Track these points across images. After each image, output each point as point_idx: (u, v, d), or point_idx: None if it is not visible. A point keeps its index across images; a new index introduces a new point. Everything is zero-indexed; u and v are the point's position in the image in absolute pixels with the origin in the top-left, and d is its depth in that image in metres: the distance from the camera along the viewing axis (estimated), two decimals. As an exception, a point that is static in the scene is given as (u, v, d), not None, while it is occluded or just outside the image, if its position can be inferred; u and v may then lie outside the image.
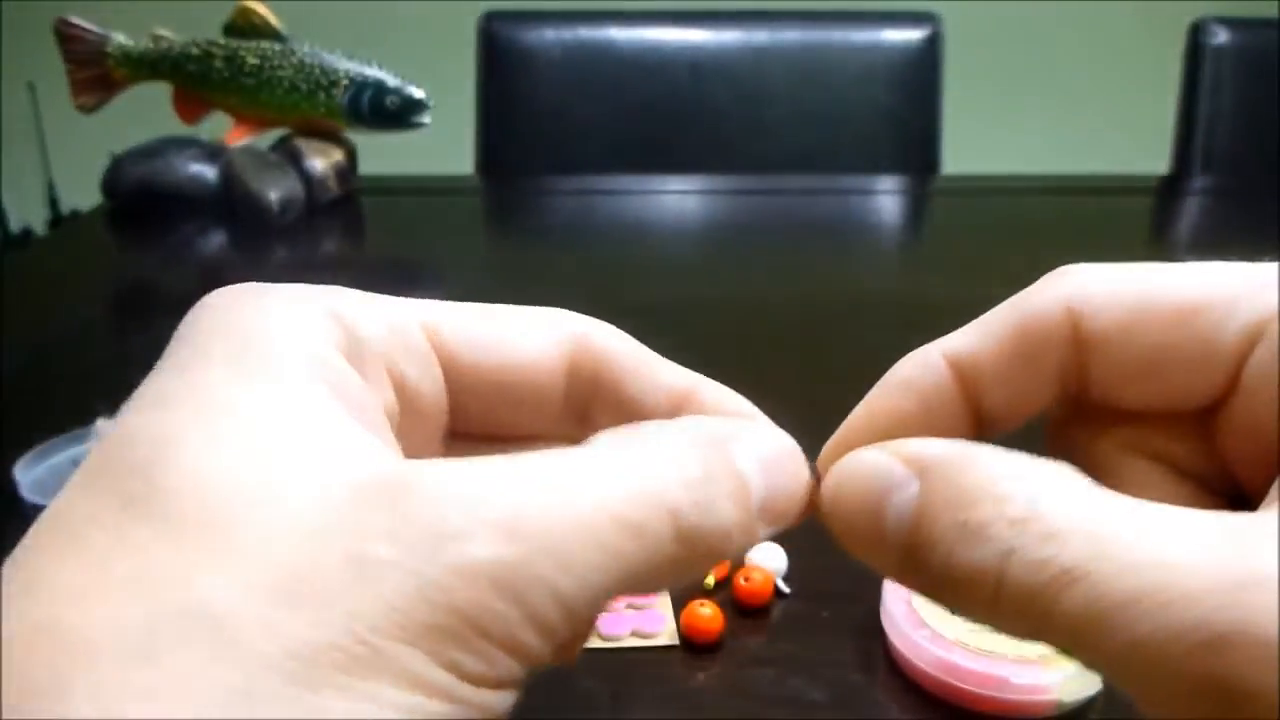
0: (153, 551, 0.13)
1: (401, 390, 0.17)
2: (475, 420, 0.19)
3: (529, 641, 0.14)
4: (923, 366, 0.19)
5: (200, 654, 0.12)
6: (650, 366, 0.19)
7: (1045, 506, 0.14)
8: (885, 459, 0.16)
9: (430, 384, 0.18)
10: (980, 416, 0.19)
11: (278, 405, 0.15)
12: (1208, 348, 0.17)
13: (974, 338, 0.18)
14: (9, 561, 0.14)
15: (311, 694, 0.12)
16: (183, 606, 0.12)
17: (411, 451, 0.17)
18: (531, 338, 0.18)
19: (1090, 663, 0.14)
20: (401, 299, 0.18)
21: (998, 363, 0.18)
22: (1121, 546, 0.14)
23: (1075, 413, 0.19)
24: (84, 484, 0.14)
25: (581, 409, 0.19)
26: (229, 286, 0.17)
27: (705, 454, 0.16)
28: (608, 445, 0.16)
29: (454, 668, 0.13)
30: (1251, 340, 0.16)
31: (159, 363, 0.16)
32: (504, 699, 0.14)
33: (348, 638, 0.13)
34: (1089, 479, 0.15)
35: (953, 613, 0.16)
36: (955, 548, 0.15)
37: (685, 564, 0.15)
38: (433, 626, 0.13)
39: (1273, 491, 0.15)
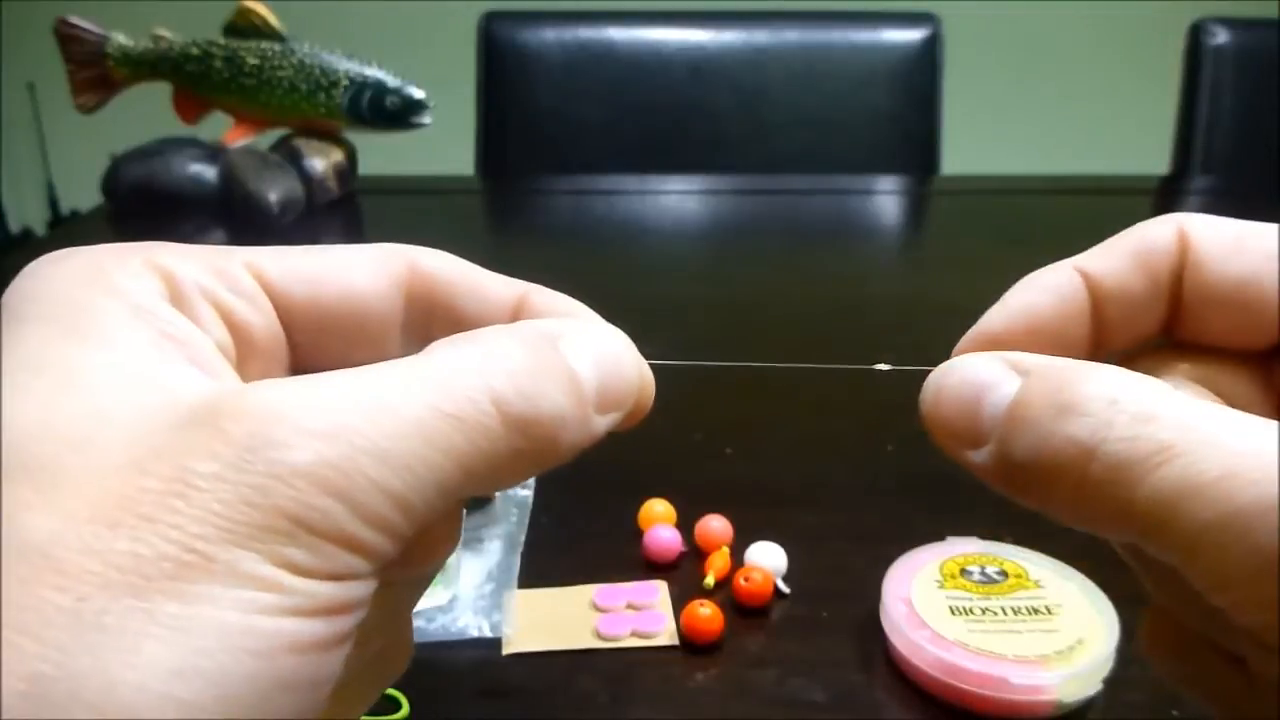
0: None
1: (234, 329, 0.18)
2: (318, 356, 0.19)
3: (364, 536, 0.14)
4: (1057, 272, 0.20)
5: (28, 581, 0.13)
6: (481, 282, 0.20)
7: (1142, 393, 0.15)
8: (989, 360, 0.17)
9: (262, 320, 0.18)
10: (1101, 331, 0.20)
11: (96, 353, 0.15)
12: None
13: (1100, 254, 0.20)
14: None
15: (144, 603, 0.13)
16: (10, 543, 0.13)
17: None
18: (360, 269, 0.19)
19: (1170, 542, 0.14)
20: (226, 248, 0.19)
21: (1121, 275, 0.19)
22: (1215, 428, 0.14)
23: (1153, 351, 0.20)
24: None
25: (423, 334, 0.19)
26: (47, 254, 0.17)
27: (532, 348, 0.16)
28: (437, 349, 0.16)
29: (286, 563, 0.14)
30: None
31: None
32: (349, 590, 0.14)
33: (174, 548, 0.13)
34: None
35: (1036, 504, 0.16)
36: (1052, 424, 0.15)
37: (527, 455, 0.16)
38: (259, 527, 0.14)
39: None
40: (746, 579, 0.48)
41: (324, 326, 0.19)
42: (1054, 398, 0.16)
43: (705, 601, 0.46)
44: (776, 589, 0.48)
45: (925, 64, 1.39)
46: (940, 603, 0.44)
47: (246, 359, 0.18)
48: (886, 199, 1.29)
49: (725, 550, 0.50)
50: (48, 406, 0.15)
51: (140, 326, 0.16)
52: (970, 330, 0.20)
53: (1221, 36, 1.36)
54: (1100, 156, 1.71)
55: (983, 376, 0.17)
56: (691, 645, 0.45)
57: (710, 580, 0.49)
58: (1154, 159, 1.47)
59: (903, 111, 1.39)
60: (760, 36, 1.39)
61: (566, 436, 0.16)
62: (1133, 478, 0.14)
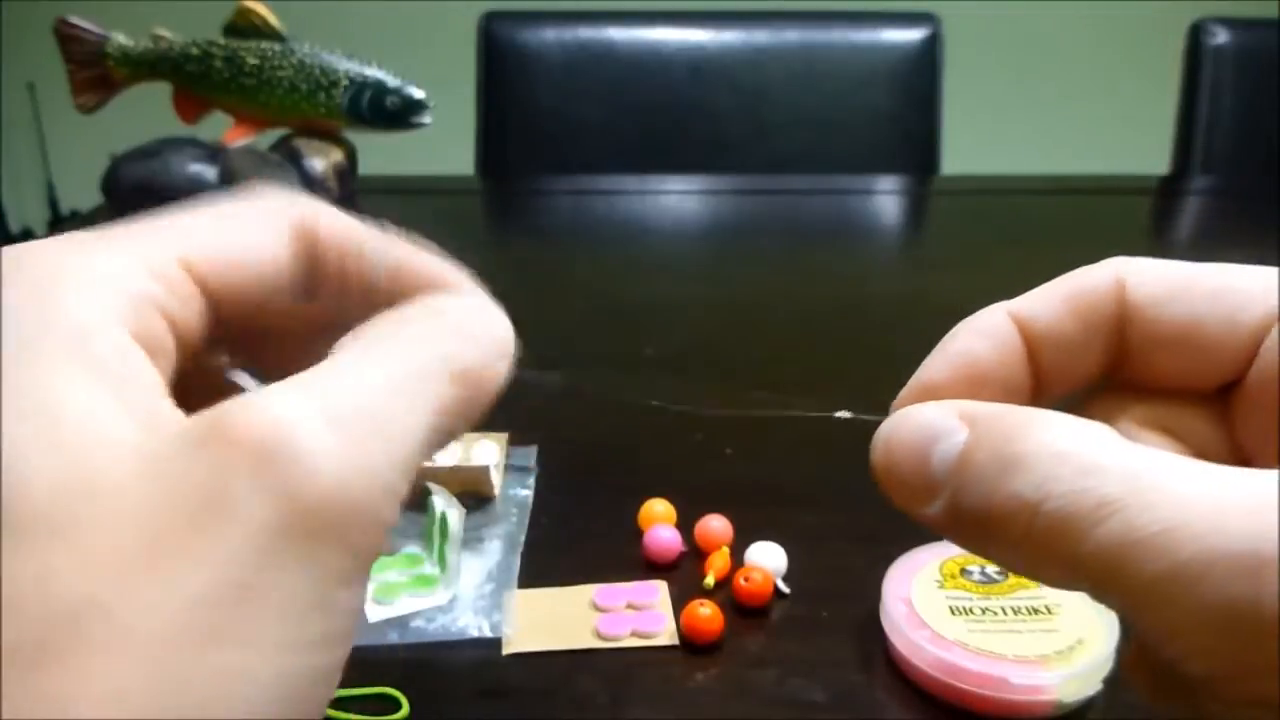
0: (14, 559, 0.13)
1: (178, 334, 0.18)
2: (220, 322, 0.19)
3: (389, 516, 0.15)
4: (993, 318, 0.20)
5: (98, 649, 0.12)
6: (365, 243, 0.20)
7: (1086, 446, 0.15)
8: (939, 409, 0.17)
9: (196, 317, 0.18)
10: (1040, 376, 0.20)
11: (75, 388, 0.15)
12: (1232, 325, 0.18)
13: (1034, 299, 0.20)
14: None
15: (216, 650, 0.13)
16: (68, 606, 0.13)
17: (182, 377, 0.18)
18: (266, 239, 0.19)
19: (1118, 595, 0.14)
20: (154, 231, 0.19)
21: (1055, 322, 0.19)
22: (1158, 480, 0.14)
23: (1105, 393, 0.21)
24: None
25: (308, 287, 0.20)
26: (10, 250, 0.17)
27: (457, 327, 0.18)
28: (369, 341, 0.17)
29: (331, 574, 0.14)
30: (1269, 324, 0.18)
31: None
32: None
33: (220, 582, 0.13)
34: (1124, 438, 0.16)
35: (987, 556, 0.16)
36: (998, 478, 0.15)
37: (468, 402, 0.17)
38: (300, 539, 0.14)
39: None
40: (746, 579, 0.48)
41: (235, 301, 0.19)
42: (999, 451, 0.16)
43: (705, 601, 0.46)
44: (776, 589, 0.48)
45: (925, 64, 1.39)
46: (940, 603, 0.44)
47: (182, 355, 0.18)
48: (886, 199, 1.29)
49: (725, 550, 0.50)
50: (40, 453, 0.14)
51: (104, 354, 0.16)
52: (910, 380, 0.20)
53: (1221, 36, 1.36)
54: (1100, 156, 1.71)
55: (932, 427, 0.17)
56: (691, 645, 0.45)
57: (710, 580, 0.49)
58: (1154, 159, 1.47)
59: (903, 111, 1.39)
60: (760, 36, 1.39)
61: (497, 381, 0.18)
62: (1078, 532, 0.14)
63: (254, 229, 0.19)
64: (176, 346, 0.18)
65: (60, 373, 0.15)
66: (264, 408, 0.14)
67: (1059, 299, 0.19)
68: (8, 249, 0.17)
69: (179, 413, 0.16)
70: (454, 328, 0.18)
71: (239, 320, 0.19)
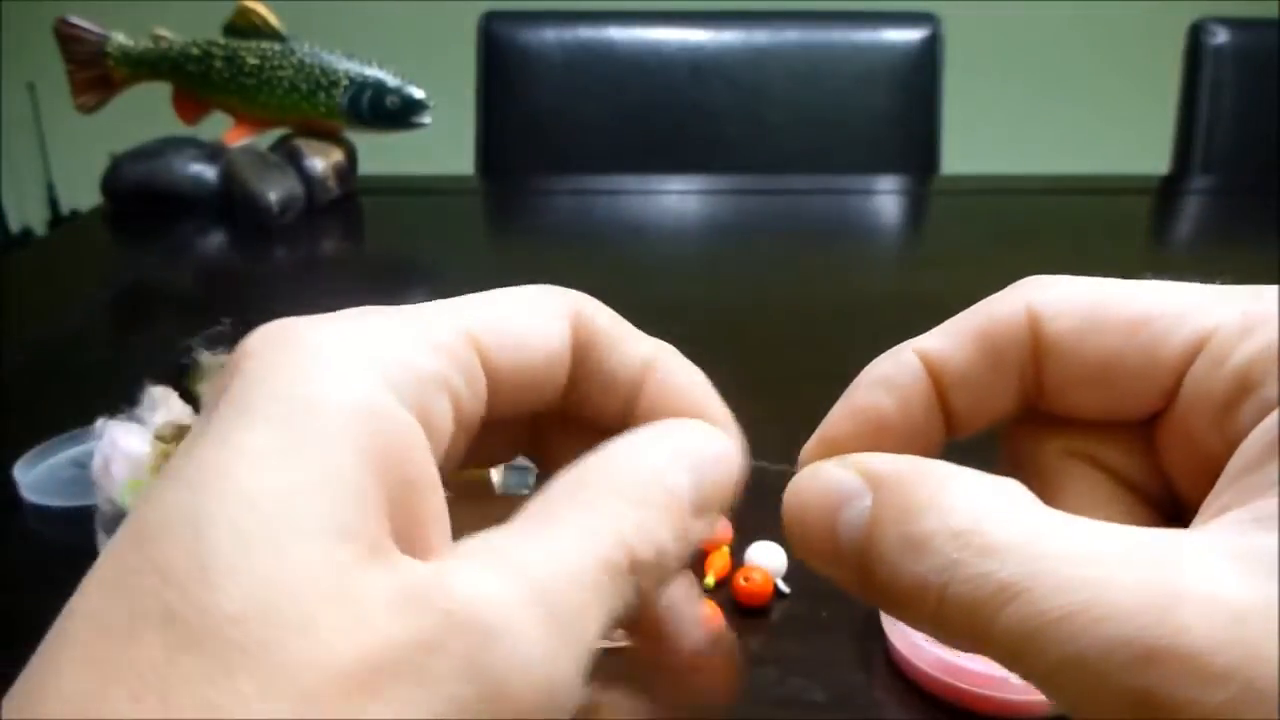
0: (210, 690, 0.13)
1: (458, 412, 0.17)
2: (494, 405, 0.19)
3: (571, 708, 0.15)
4: (898, 365, 0.19)
5: None
6: (624, 340, 0.20)
7: (987, 522, 0.15)
8: (840, 472, 0.17)
9: (477, 398, 0.18)
10: (949, 417, 0.19)
11: (314, 511, 0.14)
12: (1152, 359, 0.17)
13: (943, 338, 0.19)
14: (24, 679, 0.13)
15: None
16: None
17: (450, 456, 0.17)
18: (551, 330, 0.19)
19: (1028, 677, 0.15)
20: (440, 308, 0.18)
21: (965, 362, 0.19)
22: (1057, 563, 0.14)
23: (1028, 419, 0.20)
24: (110, 582, 0.14)
25: (572, 380, 0.19)
26: (276, 324, 0.16)
27: (655, 506, 0.17)
28: (564, 509, 0.16)
29: None
30: (1192, 354, 0.17)
31: (204, 415, 0.16)
32: None
33: None
34: (1032, 495, 0.15)
35: (905, 623, 0.16)
36: (901, 560, 0.15)
37: (644, 591, 0.16)
38: None
39: (1204, 509, 0.16)
40: (746, 579, 0.48)
41: (513, 388, 0.18)
42: (901, 529, 0.16)
43: (705, 601, 0.46)
44: (776, 589, 0.48)
45: (925, 64, 1.39)
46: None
47: (457, 434, 0.18)
48: (886, 199, 1.29)
49: (725, 550, 0.50)
50: (272, 581, 0.13)
51: (363, 450, 0.15)
52: (815, 433, 0.20)
53: (1221, 36, 1.36)
54: (1100, 156, 1.71)
55: (837, 491, 0.17)
56: (691, 645, 0.45)
57: (710, 580, 0.49)
58: (1154, 159, 1.47)
59: (903, 111, 1.39)
60: (760, 36, 1.39)
61: (673, 565, 0.17)
62: (983, 617, 0.14)
63: (536, 311, 0.19)
64: (456, 430, 0.17)
65: (270, 456, 0.14)
66: (475, 583, 0.14)
67: (969, 339, 0.19)
68: (266, 327, 0.16)
69: (400, 559, 0.15)
70: (652, 524, 0.16)
71: (509, 409, 0.18)
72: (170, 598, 0.13)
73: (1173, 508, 0.19)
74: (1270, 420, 0.15)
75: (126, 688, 0.13)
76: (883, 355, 0.20)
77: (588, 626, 0.15)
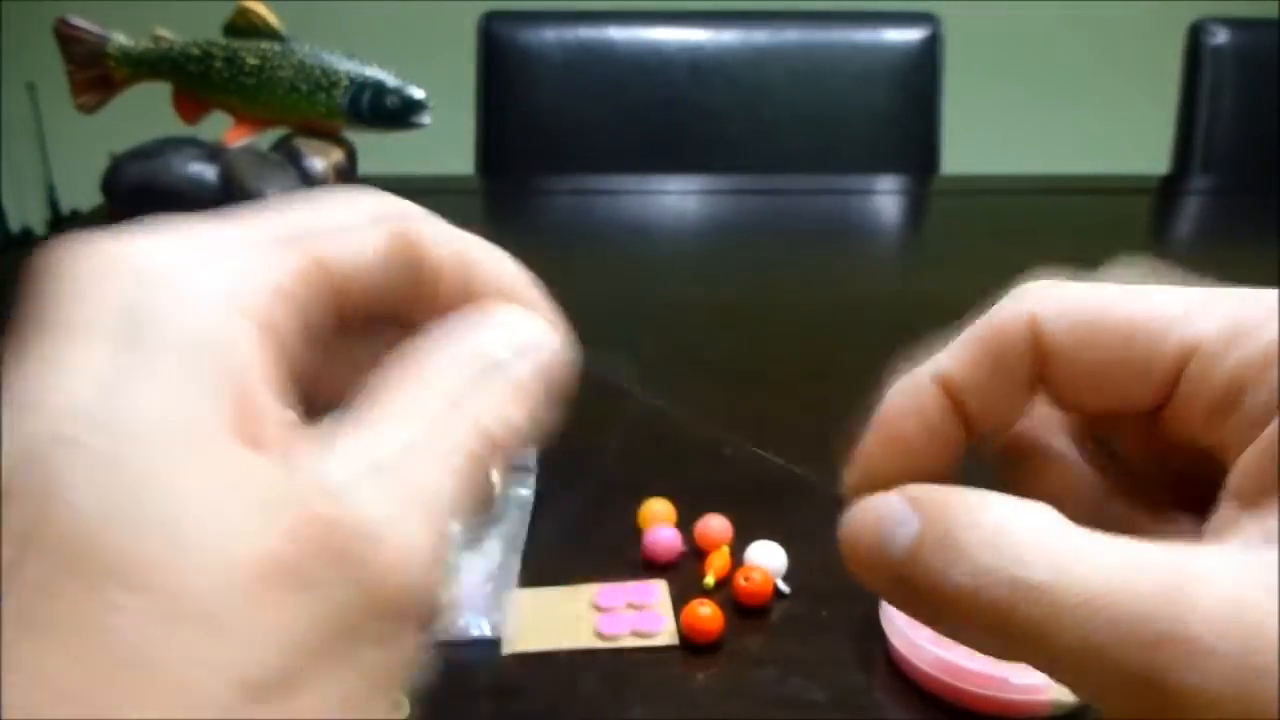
0: (88, 605, 0.13)
1: (305, 321, 0.18)
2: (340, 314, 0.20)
3: (440, 589, 0.16)
4: (916, 391, 0.21)
5: (149, 705, 0.13)
6: (437, 237, 0.21)
7: (1018, 535, 0.17)
8: (891, 500, 0.19)
9: (322, 305, 0.18)
10: (968, 424, 0.21)
11: (157, 417, 0.14)
12: (1146, 366, 0.19)
13: (952, 357, 0.21)
14: None
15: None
16: (124, 657, 0.13)
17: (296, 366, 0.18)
18: (378, 238, 0.19)
19: (1044, 663, 0.16)
20: (272, 218, 0.19)
21: (975, 375, 0.20)
22: (1077, 565, 0.16)
23: (1039, 411, 0.22)
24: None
25: (405, 286, 0.20)
26: (88, 246, 0.17)
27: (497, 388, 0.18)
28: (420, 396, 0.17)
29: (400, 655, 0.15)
30: (1184, 360, 0.18)
31: (31, 325, 0.15)
32: None
33: (295, 655, 0.14)
34: (1059, 514, 0.17)
35: (939, 630, 0.18)
36: (943, 569, 0.17)
37: (492, 459, 0.18)
38: (377, 626, 0.15)
39: (1212, 524, 0.17)
40: (746, 579, 0.48)
41: (360, 296, 0.19)
42: (943, 544, 0.17)
43: (705, 601, 0.46)
44: (776, 589, 0.48)
45: (925, 64, 1.39)
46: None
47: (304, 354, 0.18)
48: (886, 199, 1.29)
49: (725, 550, 0.50)
50: (112, 488, 0.13)
51: (212, 375, 0.15)
52: (852, 464, 0.21)
53: (1221, 36, 1.36)
54: (1100, 156, 1.71)
55: (889, 519, 0.19)
56: (691, 645, 0.45)
57: (710, 580, 0.49)
58: (1154, 159, 1.47)
59: (903, 111, 1.39)
60: (760, 36, 1.39)
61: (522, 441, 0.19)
62: (1008, 609, 0.16)
63: (364, 227, 0.19)
64: (304, 339, 0.18)
65: (168, 383, 0.15)
66: (350, 485, 0.15)
67: (976, 354, 0.20)
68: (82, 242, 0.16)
69: (269, 462, 0.15)
70: (488, 370, 0.18)
71: (358, 315, 0.19)
72: (13, 515, 0.13)
73: (1174, 489, 0.20)
74: (1266, 440, 0.17)
75: (58, 644, 0.13)
76: (900, 382, 0.21)
77: (452, 517, 0.16)
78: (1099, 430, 0.21)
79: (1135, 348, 0.19)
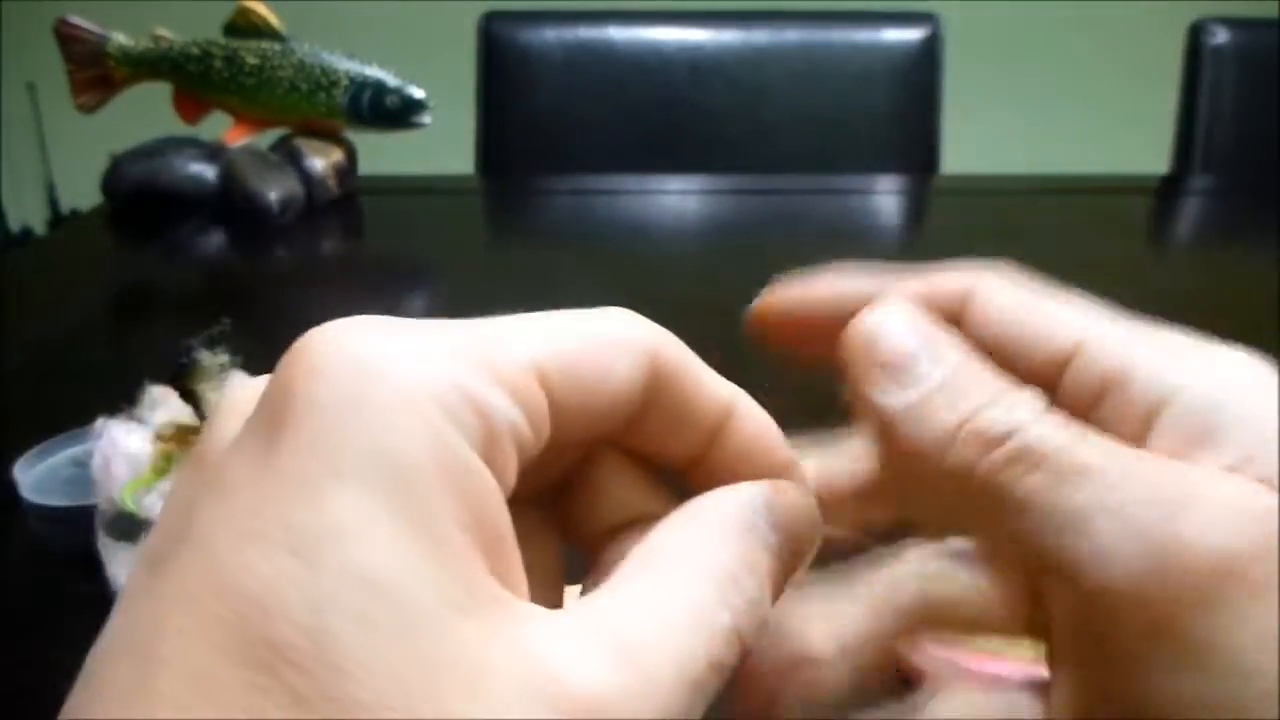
0: None
1: (521, 454, 0.16)
2: (556, 437, 0.18)
3: None
4: (856, 274, 0.24)
5: None
6: (700, 382, 0.19)
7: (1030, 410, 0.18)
8: (933, 328, 0.20)
9: (540, 437, 0.17)
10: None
11: (431, 590, 0.14)
12: (1031, 350, 0.20)
13: (889, 280, 0.24)
14: None
15: None
16: None
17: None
18: (620, 368, 0.18)
19: (1035, 535, 0.17)
20: (510, 332, 0.17)
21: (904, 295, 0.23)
22: (1077, 443, 0.17)
23: None
24: (222, 650, 0.13)
25: (641, 414, 0.19)
26: (334, 336, 0.15)
27: (750, 567, 0.18)
28: (672, 574, 0.17)
29: None
30: (1065, 359, 0.20)
31: (258, 435, 0.15)
32: None
33: None
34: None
35: (923, 478, 0.19)
36: (984, 410, 0.18)
37: (735, 663, 0.17)
38: None
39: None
40: (746, 579, 0.47)
41: (581, 419, 0.18)
42: (985, 389, 0.18)
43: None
44: (776, 589, 0.48)
45: (925, 64, 1.39)
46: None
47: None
48: (886, 199, 1.29)
49: (725, 550, 0.50)
50: (406, 670, 0.13)
51: (463, 527, 0.14)
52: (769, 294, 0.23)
53: (1221, 36, 1.36)
54: (1100, 156, 1.71)
55: (925, 337, 0.20)
56: (691, 645, 0.45)
57: (710, 580, 0.49)
58: (1154, 159, 1.47)
59: (903, 111, 1.39)
60: (760, 36, 1.39)
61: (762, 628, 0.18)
62: (1015, 474, 0.17)
63: (609, 351, 0.18)
64: (519, 471, 0.16)
65: (377, 530, 0.14)
66: (601, 679, 0.14)
67: (913, 288, 0.23)
68: (307, 335, 0.15)
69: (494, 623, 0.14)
70: (754, 594, 0.17)
71: (567, 442, 0.18)
72: (295, 680, 0.13)
73: None
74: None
75: None
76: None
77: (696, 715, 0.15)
78: None
79: (1025, 333, 0.20)
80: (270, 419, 0.15)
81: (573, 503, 0.20)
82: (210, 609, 0.13)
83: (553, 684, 0.14)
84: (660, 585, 0.16)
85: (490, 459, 0.15)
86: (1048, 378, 0.19)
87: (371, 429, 0.14)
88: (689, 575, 0.17)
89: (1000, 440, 0.17)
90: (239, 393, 0.17)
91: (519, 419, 0.16)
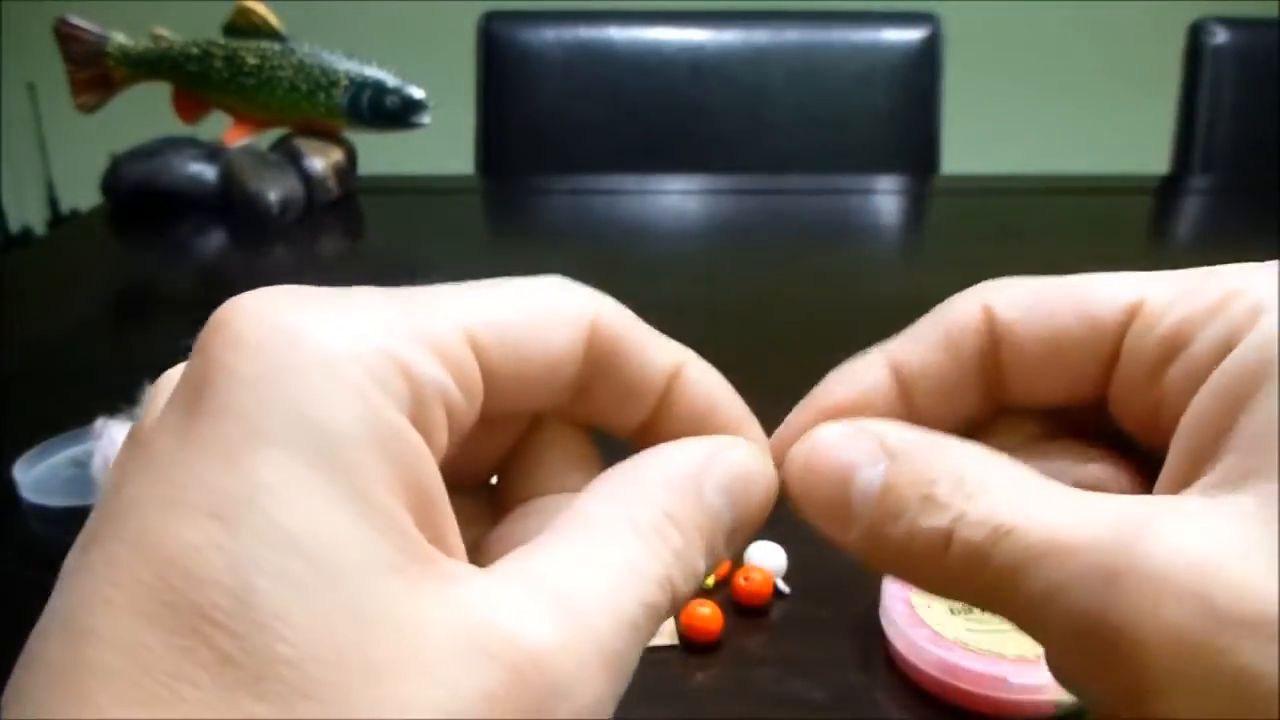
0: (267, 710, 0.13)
1: (452, 420, 0.16)
2: (491, 405, 0.18)
3: None
4: (865, 369, 0.20)
5: None
6: (644, 346, 0.19)
7: (989, 480, 0.16)
8: (854, 434, 0.18)
9: (472, 405, 0.17)
10: (914, 417, 0.20)
11: (357, 548, 0.14)
12: (1094, 329, 0.18)
13: (907, 341, 0.20)
14: (42, 700, 0.13)
15: None
16: None
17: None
18: (557, 331, 0.18)
19: (1017, 617, 0.16)
20: (442, 300, 0.17)
21: (927, 359, 0.20)
22: (1044, 509, 0.16)
23: (996, 420, 0.21)
24: (148, 616, 0.13)
25: (584, 383, 0.19)
26: (254, 305, 0.15)
27: (691, 527, 0.17)
28: (609, 529, 0.17)
29: None
30: (1128, 320, 0.18)
31: (179, 407, 0.15)
32: None
33: None
34: (1021, 464, 0.17)
35: (900, 578, 0.18)
36: (917, 516, 0.17)
37: (670, 612, 0.17)
38: None
39: (1162, 480, 0.17)
40: (746, 579, 0.48)
41: (513, 387, 0.18)
42: (919, 490, 0.17)
43: (705, 601, 0.46)
44: (776, 589, 0.48)
45: (925, 64, 1.39)
46: (940, 602, 0.44)
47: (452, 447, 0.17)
48: (886, 199, 1.29)
49: (725, 550, 0.50)
50: (332, 624, 0.13)
51: (392, 488, 0.14)
52: (782, 426, 0.21)
53: (1221, 36, 1.36)
54: (1100, 156, 1.71)
55: (854, 456, 0.18)
56: (691, 645, 0.45)
57: (710, 580, 0.49)
58: (1154, 159, 1.47)
59: (903, 111, 1.39)
60: (760, 36, 1.39)
61: (699, 585, 0.18)
62: (983, 552, 0.16)
63: (542, 311, 0.18)
64: (450, 437, 0.16)
65: (300, 491, 0.14)
66: (536, 631, 0.14)
67: (929, 337, 0.20)
68: (226, 306, 0.15)
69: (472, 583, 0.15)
70: (685, 548, 0.17)
71: (505, 411, 0.18)
72: (222, 642, 0.13)
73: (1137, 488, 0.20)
74: (1218, 380, 0.16)
75: None
76: (849, 360, 0.21)
77: (631, 667, 0.16)
78: (1049, 454, 0.20)
79: (1085, 313, 0.19)
80: (191, 390, 0.15)
81: (506, 475, 0.20)
82: (136, 577, 0.13)
83: (491, 636, 0.14)
84: (589, 538, 0.16)
85: (419, 423, 0.15)
86: (1113, 345, 0.18)
87: (293, 394, 0.14)
88: (617, 528, 0.17)
89: (945, 544, 0.16)
90: (174, 373, 0.17)
91: (449, 384, 0.16)
